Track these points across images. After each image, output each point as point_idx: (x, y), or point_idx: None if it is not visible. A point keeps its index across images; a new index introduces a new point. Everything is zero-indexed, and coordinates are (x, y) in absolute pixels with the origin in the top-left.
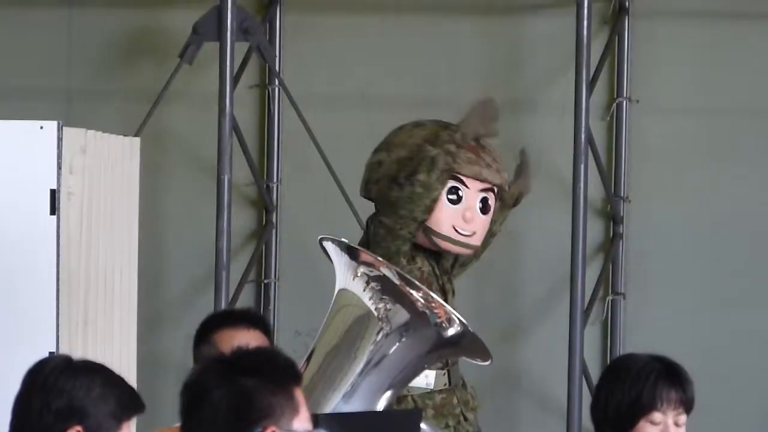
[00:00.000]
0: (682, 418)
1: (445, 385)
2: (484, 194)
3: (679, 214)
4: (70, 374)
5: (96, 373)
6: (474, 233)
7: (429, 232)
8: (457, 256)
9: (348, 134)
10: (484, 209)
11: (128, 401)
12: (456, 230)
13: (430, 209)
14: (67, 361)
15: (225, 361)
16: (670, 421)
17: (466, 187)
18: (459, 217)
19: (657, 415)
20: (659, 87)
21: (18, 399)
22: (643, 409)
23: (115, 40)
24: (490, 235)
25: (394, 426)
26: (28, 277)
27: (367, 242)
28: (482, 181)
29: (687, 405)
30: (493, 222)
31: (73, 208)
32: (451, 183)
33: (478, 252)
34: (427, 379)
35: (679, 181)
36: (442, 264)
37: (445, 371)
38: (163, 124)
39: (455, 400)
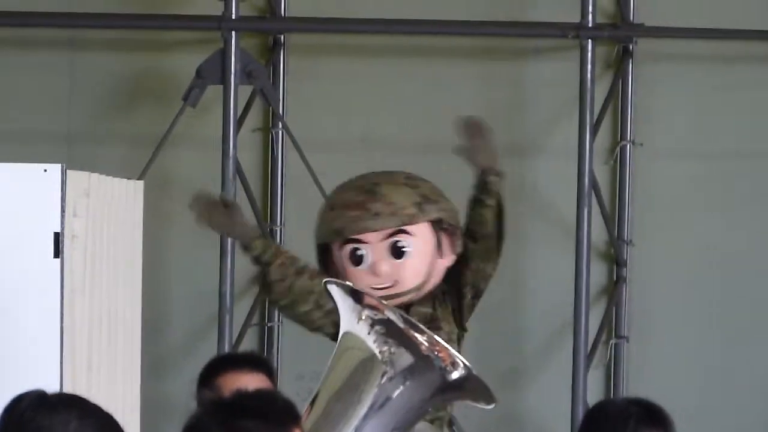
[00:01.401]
0: None
1: None
2: (391, 240)
3: (683, 257)
4: (46, 410)
5: (72, 406)
6: (396, 282)
7: None
8: (459, 288)
9: (350, 176)
10: (398, 254)
11: (106, 430)
12: (373, 288)
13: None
14: (41, 396)
15: (224, 404)
16: None
17: (365, 242)
18: (369, 275)
19: None
20: (663, 130)
21: None
22: None
23: (117, 83)
24: (484, 237)
25: None
26: (32, 320)
27: None
28: (375, 231)
29: None
30: (481, 222)
31: (77, 251)
32: (349, 246)
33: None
34: None
35: (683, 224)
36: (411, 312)
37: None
38: (166, 167)
39: None
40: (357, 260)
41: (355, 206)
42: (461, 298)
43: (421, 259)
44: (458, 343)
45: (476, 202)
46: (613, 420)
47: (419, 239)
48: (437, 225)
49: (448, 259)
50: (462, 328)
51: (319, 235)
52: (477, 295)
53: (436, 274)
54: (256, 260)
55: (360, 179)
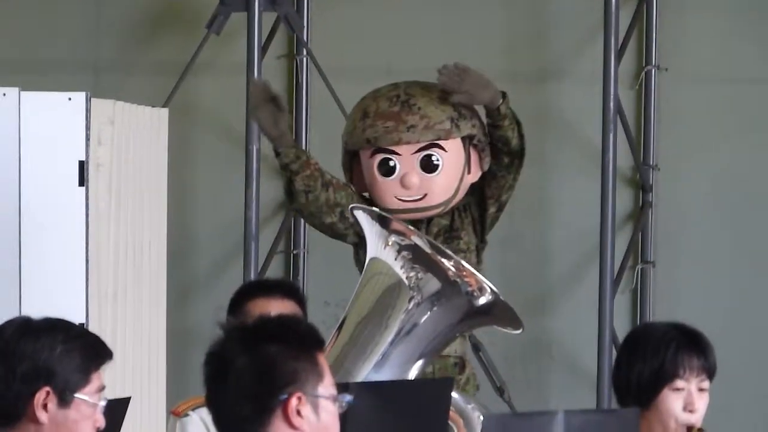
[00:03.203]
0: (705, 384)
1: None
2: (423, 153)
3: (709, 181)
4: (31, 336)
5: (57, 330)
6: (424, 195)
7: (382, 209)
8: (484, 200)
9: None
10: (430, 168)
11: (93, 352)
12: (399, 199)
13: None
14: (25, 322)
15: (247, 330)
16: (694, 388)
17: (397, 154)
18: (398, 187)
19: (680, 383)
20: (688, 55)
21: None
22: (666, 377)
23: (143, 12)
24: (506, 153)
25: (425, 395)
26: (57, 249)
27: None
28: (408, 143)
29: (709, 371)
30: (504, 140)
31: (102, 180)
32: (380, 156)
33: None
34: None
35: (708, 148)
36: (431, 230)
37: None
38: (191, 95)
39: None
40: (387, 171)
41: (390, 117)
42: (485, 211)
43: (451, 174)
44: (477, 254)
45: (494, 128)
46: (655, 343)
47: (451, 155)
48: (468, 141)
49: (474, 176)
50: (482, 240)
51: (350, 141)
52: (500, 208)
53: (462, 189)
54: (285, 167)
55: (394, 88)
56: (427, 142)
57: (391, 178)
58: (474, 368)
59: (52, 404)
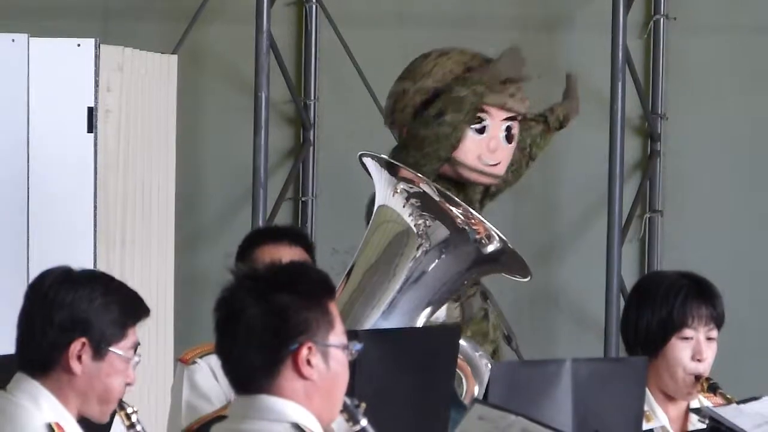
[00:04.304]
0: (714, 333)
1: (457, 318)
2: (508, 123)
3: (717, 131)
4: (71, 286)
5: (96, 282)
6: (499, 163)
7: (455, 163)
8: (487, 188)
9: (385, 52)
10: (508, 138)
11: (131, 307)
12: (481, 161)
13: (454, 147)
14: (66, 272)
15: (258, 278)
16: (702, 337)
17: (491, 116)
18: (484, 148)
19: (688, 332)
20: (697, 4)
21: (21, 316)
22: (674, 326)
23: None
24: (529, 160)
25: (433, 342)
26: (66, 195)
27: None
28: (507, 110)
29: (718, 320)
30: (533, 146)
31: (111, 126)
32: (476, 113)
33: (509, 181)
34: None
35: (717, 98)
36: (468, 194)
37: (458, 305)
38: (200, 42)
39: (469, 333)
40: (480, 129)
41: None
42: None
43: (513, 150)
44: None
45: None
46: (664, 292)
47: (519, 132)
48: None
49: None
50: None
51: (459, 89)
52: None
53: None
54: None
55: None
56: (517, 114)
57: (481, 136)
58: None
59: (86, 355)
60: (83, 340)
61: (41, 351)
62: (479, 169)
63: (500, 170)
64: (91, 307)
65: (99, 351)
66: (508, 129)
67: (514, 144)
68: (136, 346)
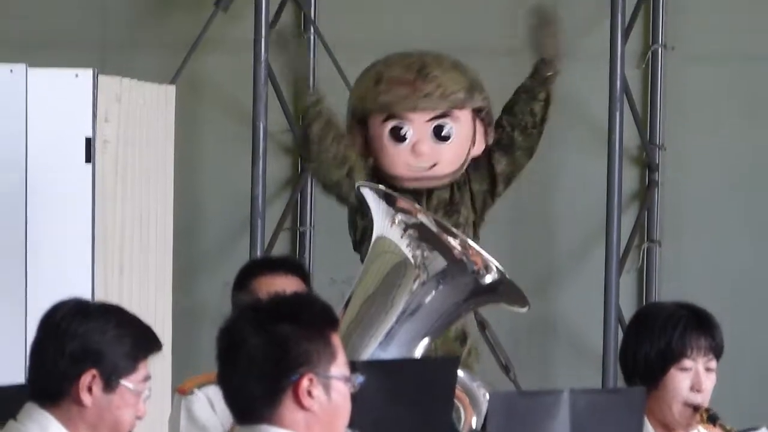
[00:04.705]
0: (713, 363)
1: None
2: (436, 122)
3: (715, 161)
4: (83, 317)
5: (110, 314)
6: (435, 164)
7: (386, 178)
8: (494, 178)
9: None
10: (440, 137)
11: (144, 341)
12: (410, 167)
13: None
14: (80, 304)
15: (261, 308)
16: (701, 368)
17: (409, 121)
18: (409, 154)
19: (687, 362)
20: (695, 34)
21: (33, 346)
22: (673, 356)
23: None
24: (531, 130)
25: (431, 373)
26: (64, 224)
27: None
28: (423, 111)
29: (716, 351)
30: (531, 114)
31: (109, 157)
32: (392, 123)
33: (519, 163)
34: None
35: (715, 128)
36: (430, 203)
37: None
38: (198, 72)
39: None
40: (398, 138)
41: (406, 84)
42: (494, 187)
43: (461, 145)
44: (474, 229)
45: (528, 93)
46: (662, 322)
47: (462, 125)
48: (477, 113)
49: (478, 149)
50: (481, 216)
51: (360, 105)
52: (507, 186)
53: (466, 161)
54: (306, 112)
55: (406, 57)
56: (442, 111)
57: (402, 145)
58: (476, 341)
59: (97, 387)
60: (94, 371)
61: (52, 381)
62: (413, 176)
63: (441, 170)
64: (103, 339)
65: (110, 383)
66: (438, 128)
67: (456, 140)
68: (147, 380)
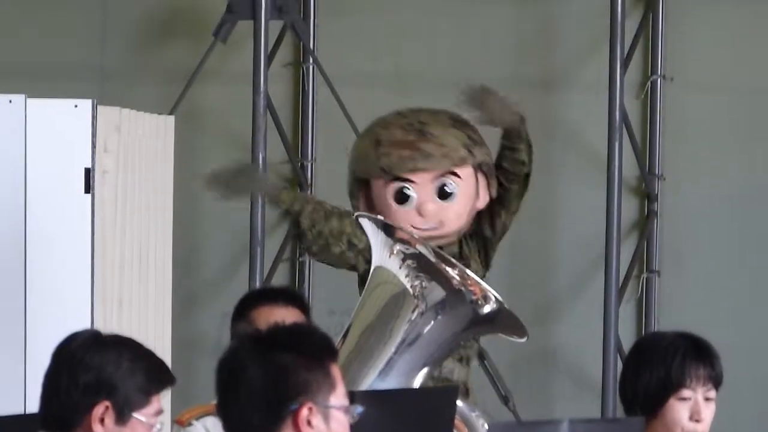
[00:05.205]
0: (712, 393)
1: None
2: (439, 181)
3: (714, 191)
4: (98, 349)
5: (124, 347)
6: (440, 223)
7: None
8: (493, 229)
9: (382, 112)
10: (444, 195)
11: (157, 374)
12: (416, 228)
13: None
14: (95, 335)
15: (260, 338)
16: (700, 398)
17: (413, 182)
18: (414, 215)
19: (686, 392)
20: (694, 64)
21: (47, 375)
22: (672, 386)
23: (149, 19)
24: (524, 174)
25: (430, 403)
26: (63, 255)
27: None
28: (426, 171)
29: (716, 381)
30: (520, 164)
31: (108, 187)
32: (396, 185)
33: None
34: None
35: (714, 158)
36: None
37: None
38: (197, 102)
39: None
40: (402, 199)
41: (407, 145)
42: (493, 237)
43: (465, 202)
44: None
45: (510, 150)
46: (662, 352)
47: (465, 182)
48: (478, 168)
49: (482, 202)
50: (487, 267)
51: (361, 169)
52: (503, 234)
53: (472, 216)
54: (287, 213)
55: (402, 117)
56: (444, 170)
57: (406, 206)
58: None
59: (109, 419)
60: (107, 403)
61: (64, 411)
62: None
63: (447, 228)
64: (117, 371)
65: (122, 416)
66: (441, 187)
67: (460, 197)
68: (159, 413)
